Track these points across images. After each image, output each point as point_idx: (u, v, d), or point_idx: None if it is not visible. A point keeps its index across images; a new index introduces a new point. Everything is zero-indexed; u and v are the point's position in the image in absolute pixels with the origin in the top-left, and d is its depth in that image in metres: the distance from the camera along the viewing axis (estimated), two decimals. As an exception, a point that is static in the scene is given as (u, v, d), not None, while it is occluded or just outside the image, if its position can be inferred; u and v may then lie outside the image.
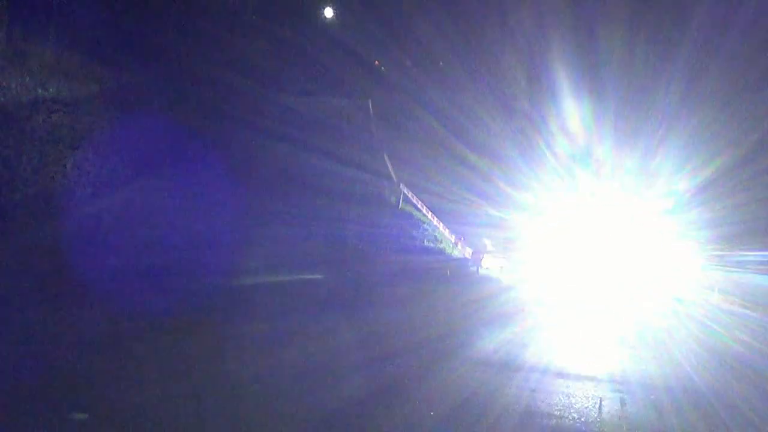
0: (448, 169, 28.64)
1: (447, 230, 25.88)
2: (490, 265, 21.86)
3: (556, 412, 7.14)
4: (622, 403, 7.81)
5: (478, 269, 21.33)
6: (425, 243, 24.10)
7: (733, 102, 30.57)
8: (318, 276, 14.25)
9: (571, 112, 34.69)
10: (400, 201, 27.35)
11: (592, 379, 9.09)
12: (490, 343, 10.90)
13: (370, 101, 28.32)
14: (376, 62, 32.37)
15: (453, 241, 25.10)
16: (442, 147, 29.94)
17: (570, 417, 7.02)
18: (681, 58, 31.29)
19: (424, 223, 26.13)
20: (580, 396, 8.02)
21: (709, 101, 30.17)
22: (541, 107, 36.31)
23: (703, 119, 30.18)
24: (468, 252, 23.32)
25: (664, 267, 24.05)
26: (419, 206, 27.18)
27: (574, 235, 24.98)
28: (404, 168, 28.15)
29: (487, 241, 23.11)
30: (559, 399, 7.74)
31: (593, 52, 33.75)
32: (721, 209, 26.91)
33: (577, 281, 21.20)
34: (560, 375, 9.14)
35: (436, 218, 26.44)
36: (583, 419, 6.99)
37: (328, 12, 30.68)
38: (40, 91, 13.22)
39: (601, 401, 7.77)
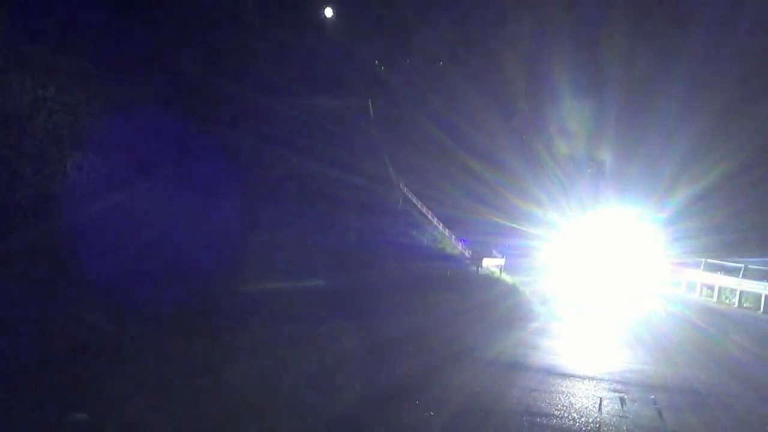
0: (456, 178, 28.63)
1: (447, 230, 25.89)
2: (490, 264, 21.93)
3: (556, 412, 7.15)
4: (622, 402, 7.83)
5: (478, 269, 21.36)
6: (426, 244, 24.10)
7: (734, 110, 30.70)
8: (320, 282, 13.91)
9: (572, 118, 34.71)
10: (401, 202, 27.36)
11: (591, 378, 9.11)
12: (495, 344, 10.91)
13: (370, 102, 28.32)
14: (376, 62, 32.41)
15: (453, 241, 25.13)
16: (448, 156, 29.93)
17: (570, 417, 7.03)
18: (682, 65, 31.37)
19: (424, 224, 26.13)
20: (580, 396, 8.04)
21: (709, 109, 30.28)
22: (543, 114, 36.36)
23: (703, 127, 30.28)
24: (468, 252, 23.36)
25: (665, 271, 24.17)
26: (419, 207, 27.19)
27: (577, 241, 25.11)
28: (412, 176, 28.01)
29: (495, 253, 23.12)
30: (559, 399, 7.76)
31: (596, 58, 33.81)
32: (722, 216, 27.04)
33: (580, 284, 21.29)
34: (561, 375, 9.17)
35: (436, 218, 26.46)
36: (583, 419, 7.00)
37: (328, 12, 30.71)
38: (40, 91, 13.23)
39: (601, 401, 7.79)
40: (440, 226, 26.08)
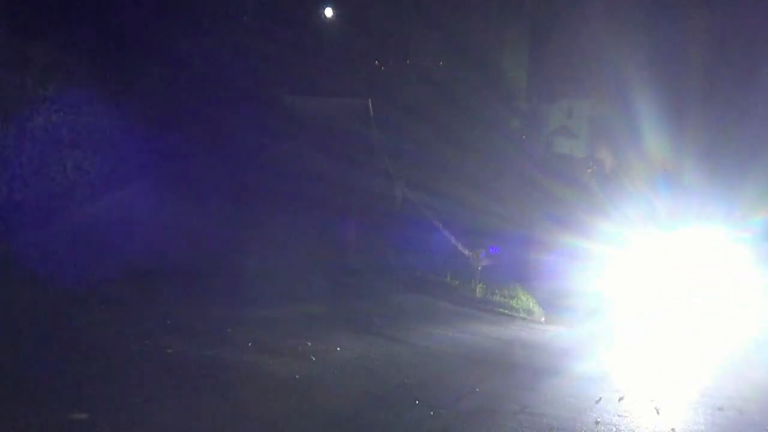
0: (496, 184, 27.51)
1: (446, 231, 25.76)
2: (490, 263, 21.88)
3: (554, 412, 7.16)
4: (620, 401, 7.87)
5: (479, 268, 21.34)
6: (427, 249, 23.74)
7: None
8: (323, 307, 12.35)
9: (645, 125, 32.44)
10: (401, 203, 27.20)
11: (588, 379, 9.15)
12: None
13: (369, 101, 28.20)
14: (376, 62, 32.34)
15: (453, 241, 25.03)
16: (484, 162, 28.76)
17: (570, 417, 7.05)
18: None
19: (427, 229, 25.84)
20: (581, 396, 8.07)
21: None
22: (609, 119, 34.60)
23: None
24: (467, 252, 23.26)
25: (748, 294, 21.64)
26: (420, 207, 27.03)
27: (653, 262, 22.63)
28: (419, 179, 27.02)
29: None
30: (560, 399, 7.79)
31: (671, 59, 31.96)
32: None
33: (659, 312, 19.26)
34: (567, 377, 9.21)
35: (437, 221, 26.30)
36: (583, 419, 7.02)
37: (327, 11, 30.68)
38: (40, 91, 13.22)
39: (600, 400, 7.82)
40: (440, 227, 25.85)
